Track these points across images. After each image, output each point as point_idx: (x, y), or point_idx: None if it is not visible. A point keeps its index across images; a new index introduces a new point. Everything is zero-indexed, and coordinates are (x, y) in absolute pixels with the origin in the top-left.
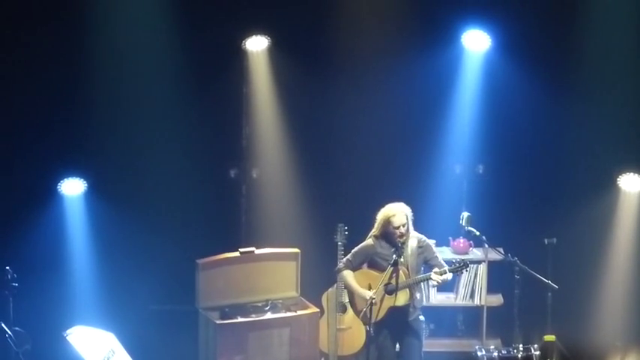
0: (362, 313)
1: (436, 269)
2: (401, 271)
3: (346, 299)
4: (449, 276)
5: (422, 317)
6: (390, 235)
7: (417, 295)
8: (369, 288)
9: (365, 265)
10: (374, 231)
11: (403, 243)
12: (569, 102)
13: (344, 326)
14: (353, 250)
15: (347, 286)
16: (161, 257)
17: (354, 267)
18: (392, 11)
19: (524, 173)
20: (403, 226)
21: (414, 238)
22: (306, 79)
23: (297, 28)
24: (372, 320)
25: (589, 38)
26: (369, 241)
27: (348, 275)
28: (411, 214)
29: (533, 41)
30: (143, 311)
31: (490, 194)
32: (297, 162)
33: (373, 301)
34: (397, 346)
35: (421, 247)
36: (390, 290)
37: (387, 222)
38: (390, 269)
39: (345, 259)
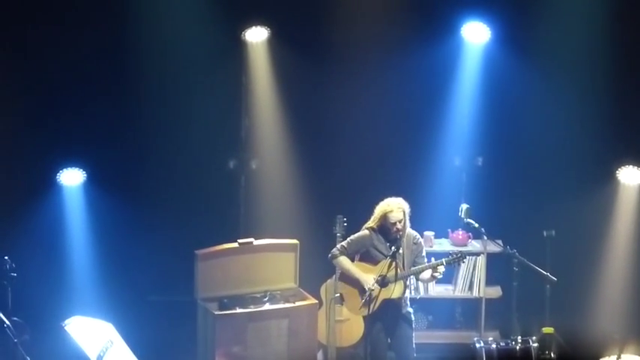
0: (361, 303)
1: (427, 262)
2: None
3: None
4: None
5: (410, 309)
6: (386, 230)
7: (406, 290)
8: None
9: (357, 257)
10: (370, 223)
11: (398, 238)
12: (569, 94)
13: (342, 318)
14: (348, 238)
15: (346, 272)
16: (160, 248)
17: (348, 255)
18: (391, 3)
19: (523, 165)
20: (400, 222)
21: (409, 234)
22: (306, 71)
23: (297, 20)
24: (369, 312)
25: (589, 31)
26: (365, 231)
27: (346, 261)
28: (409, 209)
29: (532, 33)
30: (142, 302)
31: (489, 186)
32: (296, 153)
33: (372, 290)
34: (389, 339)
35: (415, 243)
36: (385, 283)
37: (384, 217)
38: (386, 261)
39: (339, 246)
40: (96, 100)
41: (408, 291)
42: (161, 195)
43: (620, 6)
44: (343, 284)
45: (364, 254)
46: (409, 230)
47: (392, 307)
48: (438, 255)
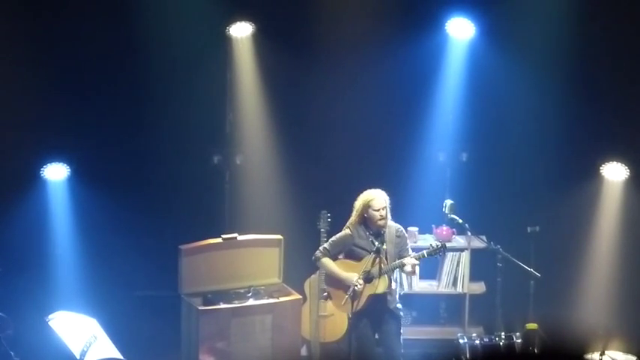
0: (344, 300)
1: (413, 254)
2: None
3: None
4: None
5: (399, 305)
6: (369, 221)
7: (393, 284)
8: None
9: (341, 256)
10: (352, 219)
11: (383, 227)
12: (553, 90)
13: (326, 313)
14: (330, 240)
15: (330, 273)
16: (144, 243)
17: (331, 256)
18: None
19: (507, 161)
20: (383, 209)
21: (392, 227)
22: (291, 66)
23: (282, 15)
24: (354, 309)
25: (573, 27)
26: (346, 231)
27: (329, 262)
28: (389, 200)
29: (517, 29)
30: (126, 297)
31: (473, 182)
32: (281, 149)
33: (357, 287)
34: (376, 334)
35: (399, 236)
36: (370, 278)
37: (367, 206)
38: (370, 257)
39: (322, 248)
40: (80, 95)
41: (397, 286)
42: (145, 190)
43: (603, 2)
44: (330, 284)
45: (348, 252)
46: (391, 223)
47: (378, 302)
48: (421, 250)
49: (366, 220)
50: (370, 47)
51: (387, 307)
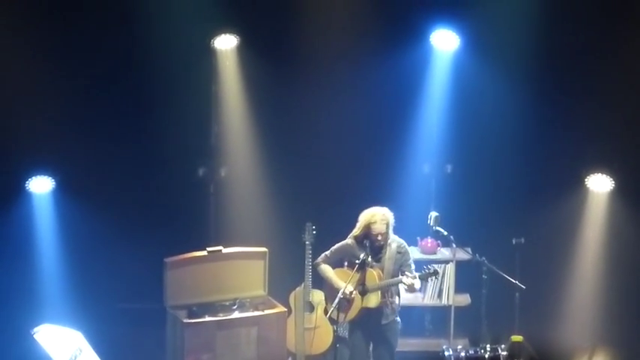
0: (331, 311)
1: (408, 273)
2: (375, 273)
3: (320, 299)
4: (417, 283)
5: (398, 319)
6: (369, 238)
7: (394, 299)
8: None
9: (345, 264)
10: (354, 231)
11: (381, 247)
12: (538, 102)
13: (311, 325)
14: (332, 248)
15: (326, 279)
16: (129, 255)
17: (331, 263)
18: (360, 10)
19: (492, 173)
20: (382, 234)
21: (394, 242)
22: (275, 78)
23: (266, 27)
24: (343, 319)
25: (557, 38)
26: (348, 240)
27: (327, 269)
28: (393, 219)
29: (502, 41)
30: (111, 309)
31: (458, 194)
32: (266, 161)
33: (346, 296)
34: (371, 346)
35: (400, 252)
36: (364, 291)
37: (367, 227)
38: (361, 270)
39: (323, 255)
40: (64, 108)
41: (397, 300)
42: (130, 202)
43: (592, 14)
44: (329, 289)
45: (350, 262)
46: (395, 238)
47: (370, 316)
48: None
49: (366, 235)
50: (355, 59)
51: (382, 322)
